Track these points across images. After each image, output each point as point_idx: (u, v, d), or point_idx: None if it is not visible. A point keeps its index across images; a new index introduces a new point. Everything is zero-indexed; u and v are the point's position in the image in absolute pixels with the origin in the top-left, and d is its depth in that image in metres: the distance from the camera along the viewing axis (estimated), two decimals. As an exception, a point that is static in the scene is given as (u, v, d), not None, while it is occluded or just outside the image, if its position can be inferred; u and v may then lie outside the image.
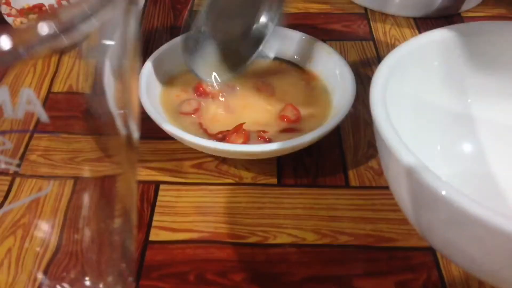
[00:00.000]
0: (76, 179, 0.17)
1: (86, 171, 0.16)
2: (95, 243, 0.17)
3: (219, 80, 0.36)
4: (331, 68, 0.37)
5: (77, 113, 0.17)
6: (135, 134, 0.15)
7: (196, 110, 0.35)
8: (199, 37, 0.36)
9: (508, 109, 0.31)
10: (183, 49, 0.36)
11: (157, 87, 0.36)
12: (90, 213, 0.16)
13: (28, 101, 0.15)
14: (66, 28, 0.12)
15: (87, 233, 0.16)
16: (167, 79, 0.37)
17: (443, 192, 0.22)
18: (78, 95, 0.18)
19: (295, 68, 0.39)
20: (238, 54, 0.37)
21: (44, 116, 0.15)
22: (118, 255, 0.17)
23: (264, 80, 0.38)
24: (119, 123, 0.15)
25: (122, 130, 0.15)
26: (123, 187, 0.16)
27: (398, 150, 0.23)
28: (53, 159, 0.19)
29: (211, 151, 0.31)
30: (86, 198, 0.16)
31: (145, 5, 0.49)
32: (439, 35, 0.30)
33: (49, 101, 0.19)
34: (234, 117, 0.35)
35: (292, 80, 0.38)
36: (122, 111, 0.15)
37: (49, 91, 0.19)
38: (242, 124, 0.33)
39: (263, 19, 0.37)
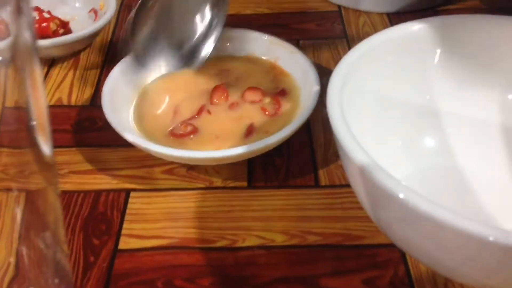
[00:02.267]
0: (16, 192, 0.17)
1: (22, 185, 0.17)
2: (32, 259, 0.17)
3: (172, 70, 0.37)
4: (297, 67, 0.37)
5: (18, 127, 0.17)
6: (45, 146, 0.16)
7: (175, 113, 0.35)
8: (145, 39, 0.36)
9: (469, 102, 0.31)
10: (132, 51, 0.36)
11: (126, 96, 0.36)
12: (26, 228, 0.17)
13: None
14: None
15: (25, 248, 0.17)
16: (141, 86, 0.37)
17: (396, 191, 0.22)
18: (20, 110, 0.18)
19: (264, 61, 0.39)
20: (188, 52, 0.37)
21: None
22: (52, 271, 0.17)
23: (228, 68, 0.38)
24: (33, 135, 0.15)
25: (35, 143, 0.15)
26: (46, 202, 0.16)
27: (351, 150, 0.23)
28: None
29: (174, 158, 0.32)
30: (20, 213, 0.17)
31: (117, 12, 0.49)
32: (397, 31, 0.30)
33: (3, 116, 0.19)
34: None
35: (260, 70, 0.38)
36: (33, 123, 0.15)
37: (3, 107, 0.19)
38: (221, 84, 0.34)
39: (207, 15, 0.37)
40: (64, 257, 0.17)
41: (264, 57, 0.39)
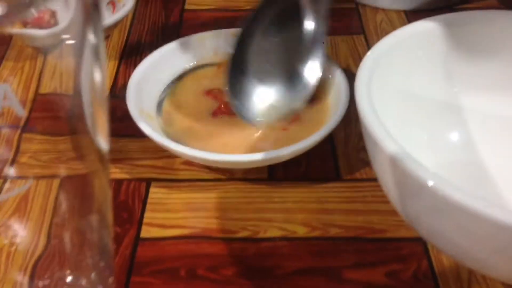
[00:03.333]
0: (53, 178, 0.17)
1: (62, 171, 0.17)
2: (74, 241, 0.17)
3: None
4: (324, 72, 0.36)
5: (59, 114, 0.18)
6: (100, 133, 0.16)
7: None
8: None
9: (494, 98, 0.31)
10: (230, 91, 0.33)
11: (152, 89, 0.36)
12: (69, 211, 0.17)
13: (4, 97, 0.16)
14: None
15: (67, 231, 0.17)
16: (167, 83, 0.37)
17: (427, 180, 0.22)
18: (61, 96, 0.18)
19: None
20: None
21: (20, 111, 0.15)
22: (96, 253, 0.17)
23: None
24: (89, 123, 0.15)
25: (91, 130, 0.15)
26: (96, 186, 0.16)
27: (382, 140, 0.23)
28: (33, 159, 0.19)
29: (189, 157, 0.31)
30: (63, 197, 0.16)
31: (135, 5, 0.49)
32: (423, 26, 0.30)
33: (36, 103, 0.19)
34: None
35: None
36: (90, 111, 0.15)
37: (36, 93, 0.19)
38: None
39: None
40: (109, 241, 0.17)
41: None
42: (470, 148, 0.31)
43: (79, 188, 0.16)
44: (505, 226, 0.20)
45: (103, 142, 0.15)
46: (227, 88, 0.32)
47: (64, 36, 0.15)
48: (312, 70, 0.34)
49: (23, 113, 0.15)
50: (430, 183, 0.22)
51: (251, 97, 0.33)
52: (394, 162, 0.23)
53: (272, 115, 0.33)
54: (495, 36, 0.31)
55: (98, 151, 0.15)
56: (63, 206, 0.17)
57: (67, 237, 0.17)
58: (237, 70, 0.33)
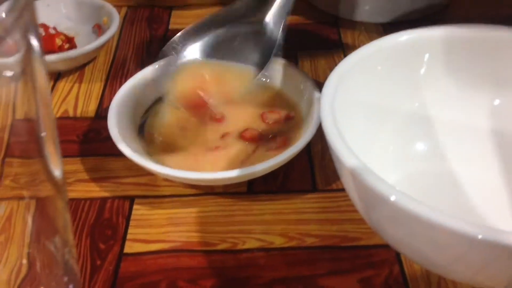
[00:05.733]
0: (23, 200, 0.18)
1: (32, 193, 0.18)
2: (43, 261, 0.18)
3: None
4: (295, 86, 0.38)
5: (27, 138, 0.19)
6: (54, 156, 0.17)
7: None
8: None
9: (458, 108, 0.32)
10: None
11: (138, 107, 0.38)
12: (37, 233, 0.18)
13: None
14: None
15: (36, 251, 0.18)
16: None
17: (386, 193, 0.23)
18: (28, 121, 0.20)
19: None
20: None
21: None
22: (63, 273, 0.18)
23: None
24: (41, 146, 0.16)
25: (43, 153, 0.16)
26: (55, 208, 0.17)
27: (342, 154, 0.25)
28: (13, 182, 0.20)
29: (166, 176, 0.33)
30: (31, 219, 0.18)
31: (121, 26, 0.51)
32: (387, 42, 0.31)
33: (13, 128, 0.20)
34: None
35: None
36: (42, 135, 0.16)
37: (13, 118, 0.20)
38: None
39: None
40: (72, 258, 0.18)
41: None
42: (436, 158, 0.32)
43: (43, 210, 0.17)
44: (461, 235, 0.21)
45: (55, 167, 0.17)
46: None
47: (14, 67, 0.16)
48: (264, 57, 0.37)
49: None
50: (390, 196, 0.23)
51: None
52: (355, 177, 0.24)
53: None
54: (459, 49, 0.32)
55: (52, 176, 0.17)
56: (35, 227, 0.18)
57: (39, 257, 0.18)
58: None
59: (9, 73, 0.15)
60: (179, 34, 0.39)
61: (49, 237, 0.18)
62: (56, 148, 0.16)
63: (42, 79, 0.16)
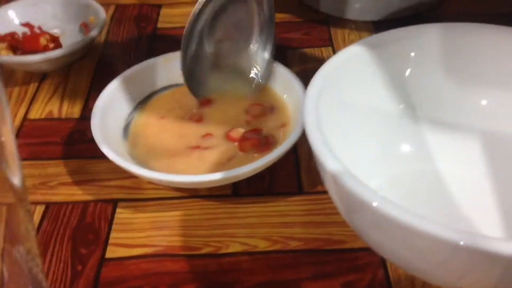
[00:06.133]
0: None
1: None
2: (10, 270, 0.18)
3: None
4: (282, 83, 0.38)
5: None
6: (13, 173, 0.16)
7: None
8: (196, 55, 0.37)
9: (444, 108, 0.32)
10: (182, 65, 0.37)
11: (122, 109, 0.37)
12: (4, 241, 0.17)
13: None
14: None
15: (4, 261, 0.17)
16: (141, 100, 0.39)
17: (367, 198, 0.22)
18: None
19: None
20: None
21: None
22: (29, 283, 0.18)
23: None
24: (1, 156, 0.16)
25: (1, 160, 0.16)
26: (17, 217, 0.17)
27: (324, 158, 0.24)
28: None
29: (149, 179, 0.32)
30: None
31: (109, 25, 0.50)
32: (372, 41, 0.31)
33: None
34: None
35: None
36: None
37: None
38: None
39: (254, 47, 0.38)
40: (37, 267, 0.18)
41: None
42: (422, 159, 0.32)
43: (7, 219, 0.17)
44: (444, 242, 0.21)
45: (14, 176, 0.16)
46: (181, 70, 0.36)
47: None
48: (262, 52, 0.37)
49: None
50: (371, 202, 0.22)
51: (204, 79, 0.38)
52: (337, 181, 0.23)
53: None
54: (445, 48, 0.32)
55: (11, 184, 0.16)
56: (3, 235, 0.18)
57: (6, 267, 0.18)
58: (190, 52, 0.37)
59: None
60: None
61: (14, 245, 0.17)
62: (14, 154, 0.16)
63: None
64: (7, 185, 0.16)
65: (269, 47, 0.38)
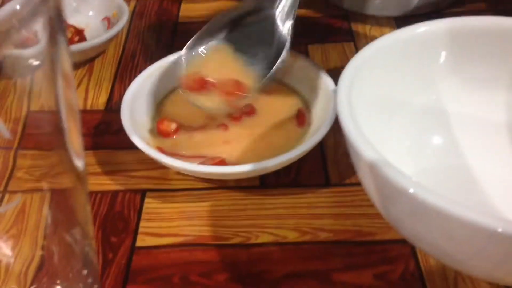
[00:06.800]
0: (41, 192, 0.18)
1: (49, 185, 0.18)
2: (62, 253, 0.18)
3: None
4: (310, 80, 0.38)
5: (46, 130, 0.18)
6: (76, 148, 0.16)
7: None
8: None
9: (474, 101, 0.32)
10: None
11: (150, 101, 0.37)
12: (56, 225, 0.17)
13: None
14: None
15: (56, 244, 0.17)
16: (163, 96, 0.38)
17: (405, 186, 0.22)
18: (46, 113, 0.19)
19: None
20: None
21: (6, 133, 0.16)
22: (81, 265, 0.18)
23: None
24: (66, 140, 0.16)
25: (63, 144, 0.16)
26: (76, 200, 0.17)
27: (361, 147, 0.24)
28: (27, 174, 0.20)
29: (180, 170, 0.32)
30: (51, 211, 0.17)
31: (130, 20, 0.51)
32: (403, 34, 0.31)
33: (28, 120, 0.20)
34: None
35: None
36: (64, 126, 0.16)
37: (28, 110, 0.20)
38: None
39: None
40: (92, 251, 0.18)
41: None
42: (452, 152, 0.32)
43: (62, 202, 0.17)
44: (482, 228, 0.21)
45: (78, 159, 0.16)
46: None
47: (33, 58, 0.16)
48: (276, 53, 0.36)
49: (8, 135, 0.16)
50: (409, 189, 0.22)
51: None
52: (373, 169, 0.23)
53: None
54: (476, 41, 0.32)
55: (74, 167, 0.16)
56: (52, 219, 0.18)
57: (56, 249, 0.18)
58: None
59: (32, 63, 0.15)
60: (193, 38, 0.38)
61: (68, 229, 0.17)
62: (79, 139, 0.16)
63: (67, 68, 0.15)
64: (70, 168, 0.16)
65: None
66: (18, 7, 0.15)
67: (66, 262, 0.18)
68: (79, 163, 0.16)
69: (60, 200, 0.17)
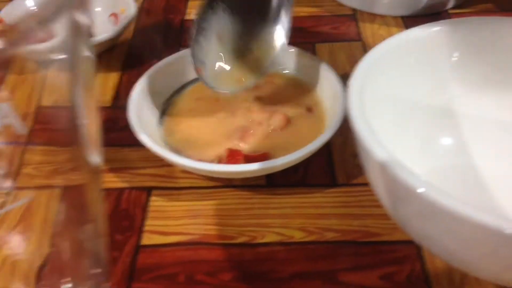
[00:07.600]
0: (51, 189, 0.18)
1: (61, 181, 0.17)
2: (72, 250, 0.18)
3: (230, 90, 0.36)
4: (321, 80, 0.37)
5: (59, 126, 0.18)
6: (93, 146, 0.16)
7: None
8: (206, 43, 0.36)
9: (485, 103, 0.31)
10: (193, 56, 0.35)
11: (157, 99, 0.37)
12: (67, 221, 0.17)
13: (5, 115, 0.16)
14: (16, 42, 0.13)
15: (66, 240, 0.17)
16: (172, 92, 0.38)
17: (416, 186, 0.22)
18: (60, 108, 0.19)
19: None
20: (249, 63, 0.37)
21: (20, 128, 0.16)
22: (92, 261, 0.18)
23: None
24: (83, 135, 0.16)
25: (77, 141, 0.16)
26: (89, 196, 0.17)
27: (371, 147, 0.24)
28: (35, 170, 0.20)
29: (188, 168, 0.32)
30: (62, 207, 0.17)
31: (137, 16, 0.50)
32: (414, 34, 0.30)
33: (39, 115, 0.20)
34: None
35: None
36: (80, 122, 0.16)
37: (39, 105, 0.20)
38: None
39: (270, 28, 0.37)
40: (103, 248, 0.18)
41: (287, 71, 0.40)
42: (462, 153, 0.31)
43: (75, 198, 0.17)
44: (493, 230, 0.21)
45: (95, 154, 0.16)
46: (191, 56, 0.34)
47: (56, 52, 0.15)
48: (276, 38, 0.36)
49: (24, 130, 0.16)
50: (419, 189, 0.22)
51: (216, 64, 0.36)
52: (384, 169, 0.23)
53: (237, 84, 0.36)
54: (487, 42, 0.31)
55: (90, 163, 0.16)
56: (62, 216, 0.18)
57: (66, 246, 0.18)
58: (202, 38, 0.35)
59: (52, 57, 0.15)
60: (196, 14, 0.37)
61: (79, 226, 0.17)
62: (96, 136, 0.16)
63: (87, 64, 0.15)
64: (85, 164, 0.16)
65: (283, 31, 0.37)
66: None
67: (77, 259, 0.18)
68: (96, 159, 0.16)
69: (72, 197, 0.17)
